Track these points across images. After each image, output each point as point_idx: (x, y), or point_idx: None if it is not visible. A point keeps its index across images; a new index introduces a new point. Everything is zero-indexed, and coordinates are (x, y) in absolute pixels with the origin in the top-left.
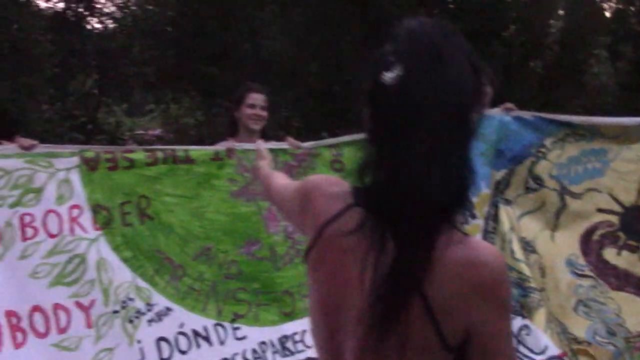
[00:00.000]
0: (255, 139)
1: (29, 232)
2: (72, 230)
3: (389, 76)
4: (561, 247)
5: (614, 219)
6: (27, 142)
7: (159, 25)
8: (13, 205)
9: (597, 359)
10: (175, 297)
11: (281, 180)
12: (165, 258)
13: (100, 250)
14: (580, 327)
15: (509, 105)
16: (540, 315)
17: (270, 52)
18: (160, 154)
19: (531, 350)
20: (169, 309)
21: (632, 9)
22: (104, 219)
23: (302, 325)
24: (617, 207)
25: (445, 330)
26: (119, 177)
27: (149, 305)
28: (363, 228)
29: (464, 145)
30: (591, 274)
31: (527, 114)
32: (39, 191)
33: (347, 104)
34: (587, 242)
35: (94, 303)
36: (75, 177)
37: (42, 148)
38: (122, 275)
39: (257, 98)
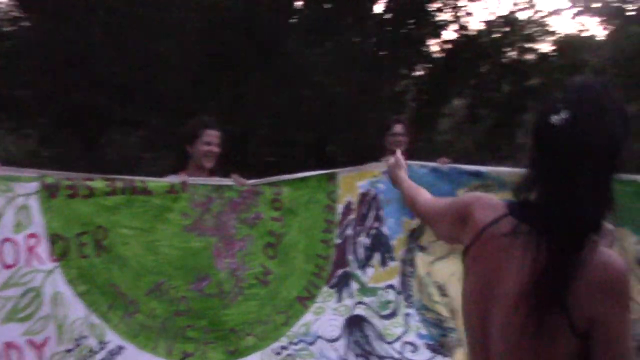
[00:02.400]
0: (206, 174)
1: None
2: (28, 262)
3: (556, 118)
4: None
5: None
6: None
7: (41, 48)
8: None
9: None
10: (128, 334)
11: (427, 194)
12: (119, 293)
13: (55, 283)
14: None
15: (445, 159)
16: (460, 354)
17: (167, 85)
18: (119, 184)
19: None
20: (121, 348)
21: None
22: (61, 249)
23: None
24: None
25: (574, 318)
26: (77, 205)
27: (102, 343)
28: (516, 233)
29: (612, 177)
30: None
31: (444, 166)
32: None
33: (243, 146)
34: None
35: (48, 341)
36: (35, 204)
37: (1, 171)
38: (76, 310)
39: (212, 135)
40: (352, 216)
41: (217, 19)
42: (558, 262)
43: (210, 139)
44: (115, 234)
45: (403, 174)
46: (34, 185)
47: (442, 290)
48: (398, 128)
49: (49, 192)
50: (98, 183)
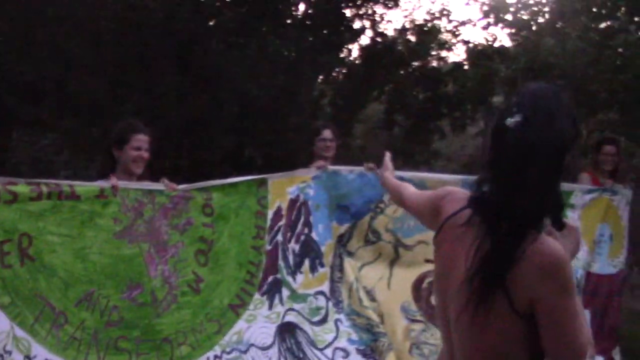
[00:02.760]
0: (135, 180)
1: None
2: None
3: (510, 121)
4: (396, 294)
5: None
6: None
7: None
8: None
9: None
10: (56, 347)
11: (412, 188)
12: (46, 304)
13: None
14: None
15: (371, 165)
16: (391, 358)
17: (80, 85)
18: (44, 188)
19: None
20: None
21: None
22: None
23: None
24: None
25: (515, 298)
26: (1, 211)
27: (28, 358)
28: (469, 223)
29: (559, 176)
30: (422, 318)
31: (369, 172)
32: None
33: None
34: (418, 289)
35: None
36: None
37: None
38: (2, 323)
39: (141, 140)
40: (282, 222)
41: (134, 18)
42: (500, 248)
43: (140, 144)
44: (41, 242)
45: (389, 175)
46: None
47: (371, 295)
48: (327, 133)
49: None
50: (21, 188)
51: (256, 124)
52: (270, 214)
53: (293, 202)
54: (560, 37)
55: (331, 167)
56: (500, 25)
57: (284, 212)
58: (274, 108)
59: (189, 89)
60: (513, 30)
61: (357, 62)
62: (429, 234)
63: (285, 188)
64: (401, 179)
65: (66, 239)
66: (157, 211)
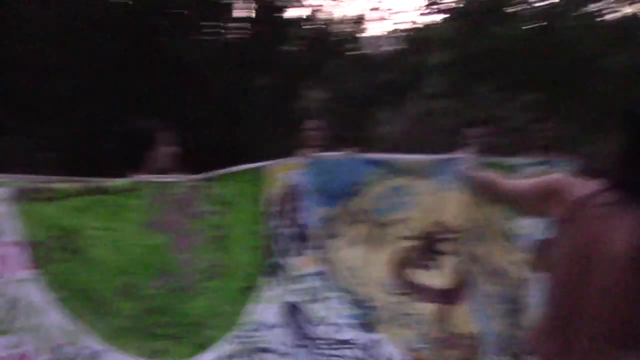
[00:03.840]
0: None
1: None
2: (2, 272)
3: None
4: (376, 271)
5: (412, 244)
6: None
7: None
8: None
9: None
10: (104, 337)
11: (505, 177)
12: (92, 296)
13: (33, 291)
14: (401, 337)
15: (349, 150)
16: (382, 330)
17: (45, 87)
18: (77, 185)
19: None
20: (98, 352)
21: None
22: (34, 256)
23: (214, 355)
24: (413, 234)
25: None
26: (44, 209)
27: (80, 349)
28: (619, 204)
29: None
30: (398, 291)
31: (346, 156)
32: None
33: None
34: (395, 266)
35: (27, 353)
36: (7, 210)
37: None
38: (54, 318)
39: (167, 135)
40: (277, 208)
41: (95, 16)
42: None
43: (167, 140)
44: (83, 236)
45: (473, 167)
46: (3, 191)
47: (356, 274)
48: (313, 124)
49: (16, 197)
50: (58, 185)
51: (215, 115)
52: (265, 200)
53: (285, 188)
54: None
55: (316, 154)
56: (435, 12)
57: (277, 198)
58: (228, 99)
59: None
60: (448, 17)
61: (293, 51)
62: (405, 213)
63: (277, 175)
64: (376, 162)
65: (102, 232)
66: (175, 202)
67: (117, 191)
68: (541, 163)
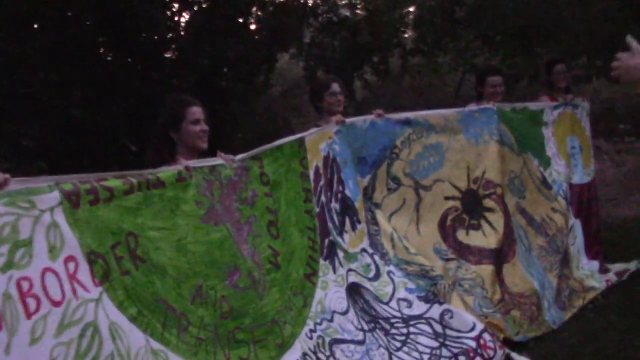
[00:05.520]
0: (195, 157)
1: (32, 304)
2: (74, 292)
3: None
4: (427, 237)
5: (457, 204)
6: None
7: None
8: (5, 269)
9: (500, 327)
10: (188, 353)
11: None
12: (167, 307)
13: (107, 311)
14: (468, 303)
15: (379, 111)
16: (456, 298)
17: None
18: (134, 180)
19: (459, 331)
20: None
21: None
22: (101, 269)
23: (294, 355)
24: (457, 193)
25: None
26: (102, 212)
27: None
28: None
29: None
30: (453, 256)
31: (378, 119)
32: (28, 244)
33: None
34: (444, 228)
35: None
36: (62, 219)
37: (16, 183)
38: (135, 339)
39: (197, 112)
40: (322, 182)
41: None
42: None
43: (197, 116)
44: (145, 239)
45: None
46: (55, 196)
47: (409, 243)
48: (335, 87)
49: (71, 202)
50: (113, 182)
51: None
52: (311, 174)
53: (326, 159)
54: None
55: (348, 120)
56: None
57: (321, 171)
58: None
59: (126, 69)
60: None
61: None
62: (443, 172)
63: (318, 145)
64: (409, 121)
65: (164, 233)
66: (226, 187)
67: (171, 182)
68: (565, 105)
